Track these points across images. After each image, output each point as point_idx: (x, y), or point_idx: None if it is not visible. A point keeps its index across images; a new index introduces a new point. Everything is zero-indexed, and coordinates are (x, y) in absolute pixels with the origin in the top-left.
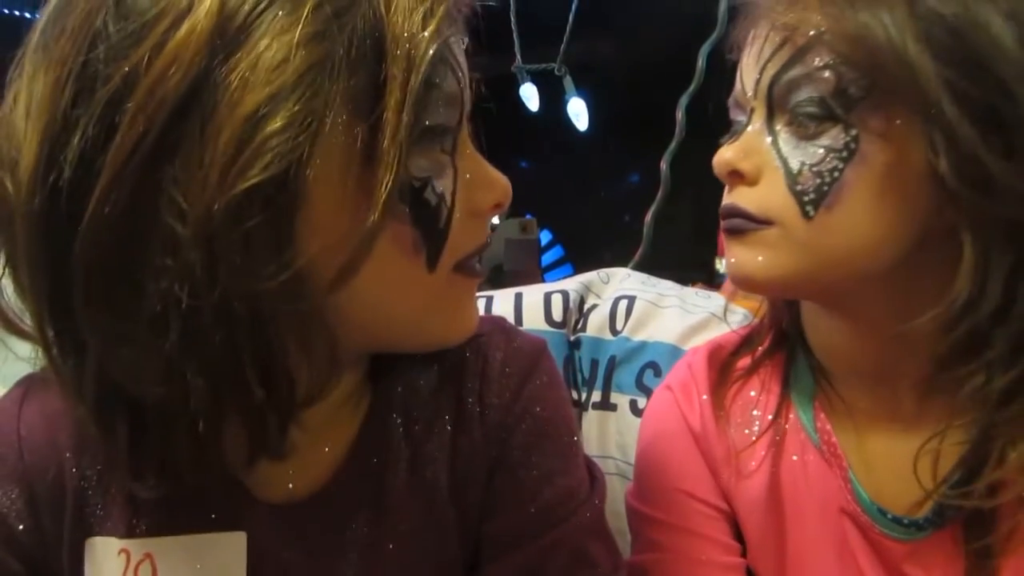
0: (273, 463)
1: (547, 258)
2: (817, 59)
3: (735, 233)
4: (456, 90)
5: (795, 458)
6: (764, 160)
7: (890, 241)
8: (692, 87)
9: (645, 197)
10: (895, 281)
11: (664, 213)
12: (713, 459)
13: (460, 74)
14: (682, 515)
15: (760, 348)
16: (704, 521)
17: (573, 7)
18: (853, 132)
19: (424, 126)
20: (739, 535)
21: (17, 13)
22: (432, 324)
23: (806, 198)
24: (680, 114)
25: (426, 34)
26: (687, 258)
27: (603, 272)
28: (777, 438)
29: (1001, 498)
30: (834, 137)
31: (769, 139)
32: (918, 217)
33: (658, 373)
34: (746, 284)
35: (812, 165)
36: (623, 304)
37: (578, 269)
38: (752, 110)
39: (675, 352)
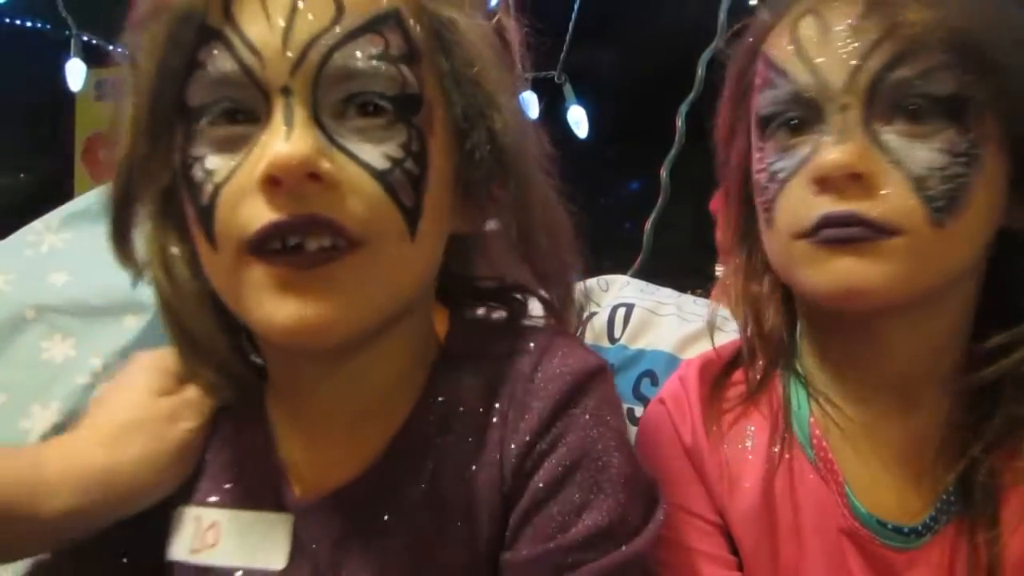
0: (313, 456)
1: None
2: (931, 58)
3: (849, 243)
4: (233, 69)
5: (791, 474)
6: (878, 163)
7: (983, 252)
8: (692, 95)
9: (645, 205)
10: (956, 294)
11: (664, 221)
12: (706, 474)
13: (247, 53)
14: (678, 530)
15: (755, 365)
16: (700, 536)
17: (573, 15)
18: (971, 136)
19: (185, 105)
20: (735, 549)
21: (18, 22)
22: (242, 309)
23: (935, 205)
24: (680, 122)
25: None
26: (687, 266)
27: (603, 279)
28: (773, 454)
29: (1001, 480)
30: (951, 141)
31: (876, 140)
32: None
33: (655, 382)
34: (857, 299)
35: (939, 170)
36: (621, 312)
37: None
38: (844, 106)
39: (672, 361)
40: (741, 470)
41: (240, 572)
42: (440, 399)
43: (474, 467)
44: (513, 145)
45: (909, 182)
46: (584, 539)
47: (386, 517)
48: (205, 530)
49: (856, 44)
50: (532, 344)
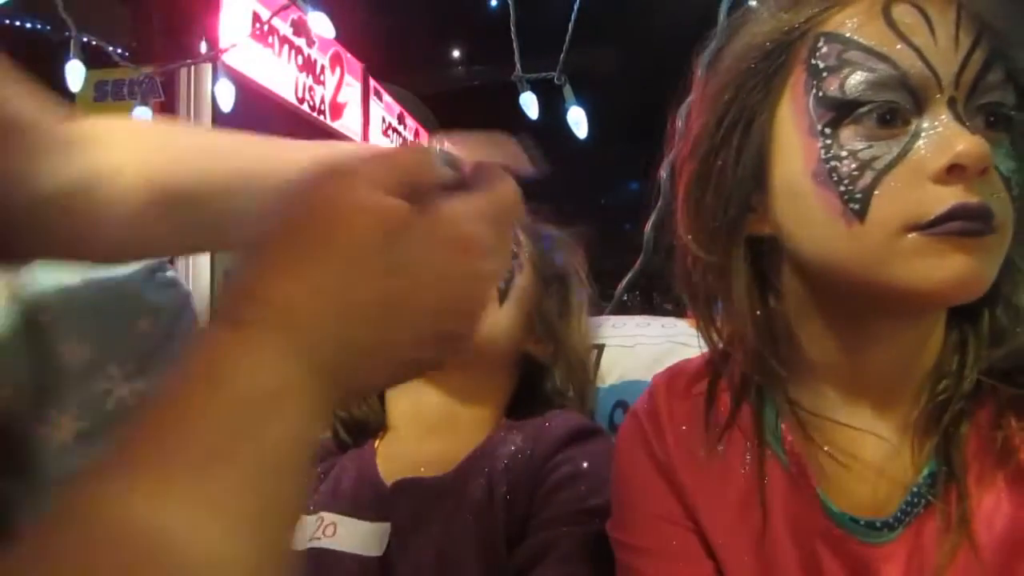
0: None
1: None
2: (1002, 70)
3: (968, 236)
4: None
5: (765, 481)
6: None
7: None
8: (691, 96)
9: (645, 205)
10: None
11: (664, 222)
12: (680, 485)
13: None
14: (658, 540)
15: (727, 373)
16: (681, 545)
17: (573, 16)
18: (1019, 147)
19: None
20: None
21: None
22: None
23: (1017, 206)
24: (680, 122)
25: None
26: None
27: None
28: (746, 461)
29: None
30: (1012, 148)
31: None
32: None
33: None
34: (963, 294)
35: (1015, 173)
36: (594, 354)
37: None
38: (952, 100)
39: (643, 385)
40: (716, 479)
41: (349, 555)
42: (501, 434)
43: (506, 477)
44: None
45: (1002, 181)
46: (588, 509)
47: (487, 470)
48: (325, 526)
49: (959, 39)
50: (551, 412)
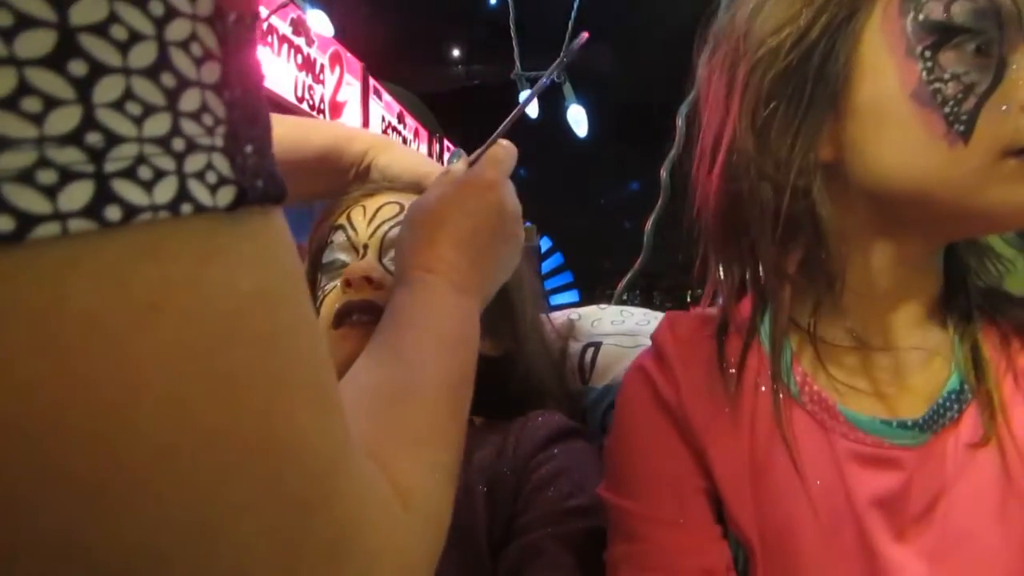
0: None
1: (547, 265)
2: None
3: None
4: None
5: (779, 417)
6: None
7: None
8: (692, 95)
9: (645, 204)
10: None
11: (664, 220)
12: (691, 428)
13: None
14: (657, 503)
15: (737, 316)
16: (681, 505)
17: (572, 15)
18: None
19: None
20: (720, 510)
21: None
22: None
23: None
24: (680, 121)
25: None
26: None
27: (574, 312)
28: (761, 395)
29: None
30: None
31: None
32: None
33: None
34: None
35: None
36: (590, 352)
37: (578, 276)
38: None
39: None
40: (727, 423)
41: None
42: (477, 436)
43: (488, 471)
44: None
45: None
46: (571, 509)
47: (465, 473)
48: None
49: None
50: (533, 413)
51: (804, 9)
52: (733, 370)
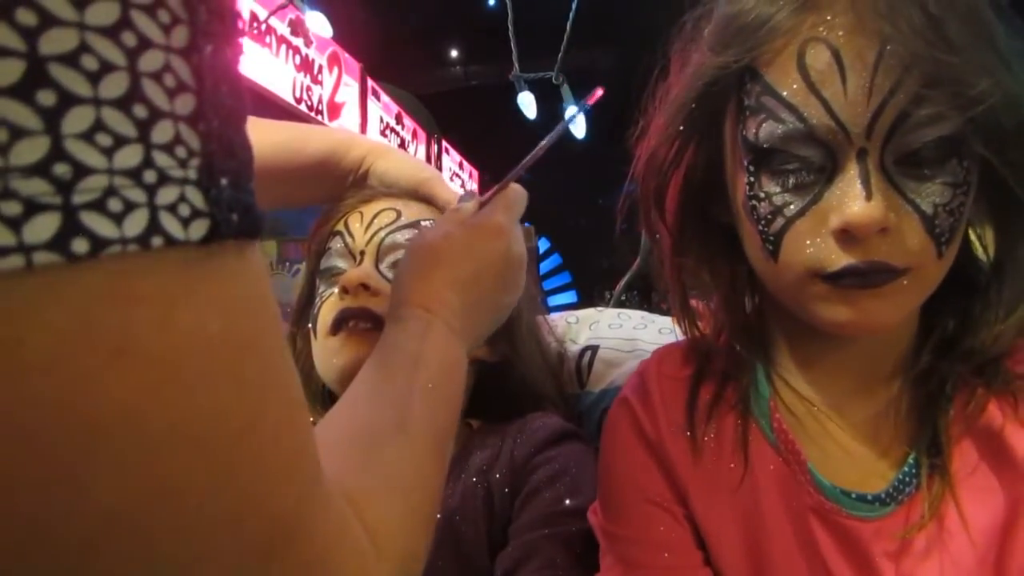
0: None
1: (545, 266)
2: (941, 99)
3: (871, 287)
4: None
5: (755, 462)
6: (897, 209)
7: None
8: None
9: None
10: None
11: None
12: (671, 464)
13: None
14: (645, 527)
15: (713, 357)
16: (667, 531)
17: (571, 16)
18: (966, 164)
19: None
20: (701, 541)
21: None
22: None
23: (942, 239)
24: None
25: None
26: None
27: (572, 315)
28: (736, 438)
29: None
30: (953, 172)
31: (892, 184)
32: None
33: None
34: (870, 331)
35: (944, 205)
36: (587, 356)
37: (576, 276)
38: (862, 151)
39: None
40: (706, 461)
41: None
42: (474, 439)
43: (486, 473)
44: None
45: (922, 223)
46: (568, 511)
47: (463, 475)
48: None
49: (875, 83)
50: (531, 415)
51: (686, 102)
52: (713, 417)
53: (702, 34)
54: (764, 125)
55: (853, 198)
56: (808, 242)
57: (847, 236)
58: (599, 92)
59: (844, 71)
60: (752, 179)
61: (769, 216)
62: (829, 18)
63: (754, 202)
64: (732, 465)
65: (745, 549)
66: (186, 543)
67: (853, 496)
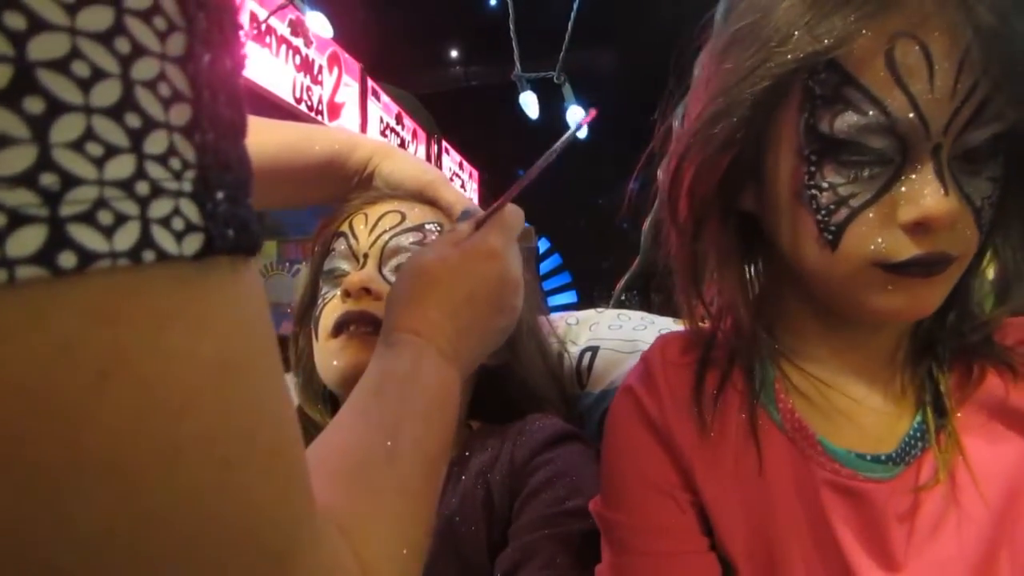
0: None
1: (545, 266)
2: (1004, 95)
3: (926, 276)
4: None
5: (761, 440)
6: (962, 204)
7: None
8: (687, 96)
9: (643, 206)
10: None
11: (662, 221)
12: (677, 448)
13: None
14: (649, 514)
15: (717, 341)
16: (672, 516)
17: (572, 16)
18: (1000, 159)
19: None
20: (708, 525)
21: None
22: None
23: (983, 230)
24: (677, 123)
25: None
26: None
27: (572, 316)
28: (742, 420)
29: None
30: (994, 170)
31: (955, 180)
32: None
33: None
34: (918, 316)
35: (987, 198)
36: (587, 357)
37: (576, 277)
38: (937, 147)
39: None
40: (712, 445)
41: None
42: (475, 441)
43: (484, 474)
44: None
45: (973, 215)
46: (568, 511)
47: (464, 477)
48: None
49: (957, 85)
50: (531, 416)
51: (736, 78)
52: (718, 399)
53: (750, 26)
54: (842, 116)
55: (932, 191)
56: (874, 233)
57: (920, 228)
58: (593, 113)
59: (932, 68)
60: (813, 168)
61: (832, 206)
62: (917, 16)
63: (814, 191)
64: (742, 451)
65: (753, 531)
66: (173, 575)
67: (868, 458)
